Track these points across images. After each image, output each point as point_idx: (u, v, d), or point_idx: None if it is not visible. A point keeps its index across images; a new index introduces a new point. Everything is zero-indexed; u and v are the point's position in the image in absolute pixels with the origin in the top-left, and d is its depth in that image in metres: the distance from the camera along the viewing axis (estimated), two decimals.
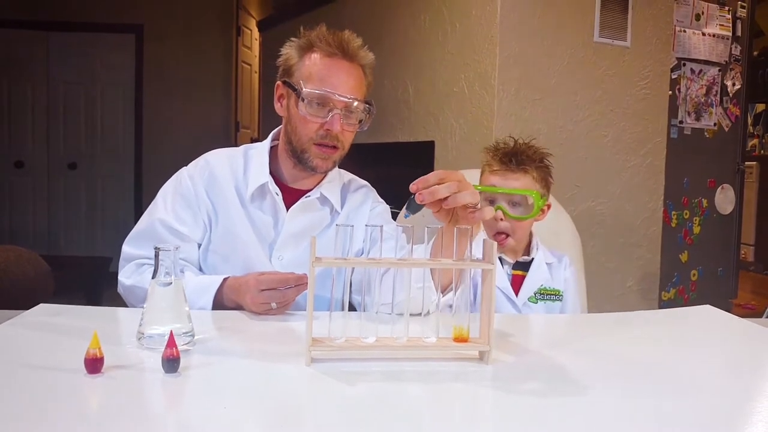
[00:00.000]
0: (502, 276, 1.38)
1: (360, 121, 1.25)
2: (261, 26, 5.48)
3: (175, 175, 1.33)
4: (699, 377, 0.87)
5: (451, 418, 0.71)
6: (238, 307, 1.15)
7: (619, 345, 1.04)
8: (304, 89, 1.19)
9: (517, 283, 1.39)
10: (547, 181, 1.40)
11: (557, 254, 1.47)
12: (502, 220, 1.34)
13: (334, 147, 1.23)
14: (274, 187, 1.28)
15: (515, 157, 1.36)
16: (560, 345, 1.06)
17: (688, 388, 0.82)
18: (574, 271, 1.46)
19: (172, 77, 5.11)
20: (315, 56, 1.22)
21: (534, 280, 1.39)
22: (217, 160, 1.32)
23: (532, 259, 1.41)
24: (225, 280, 1.17)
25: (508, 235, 1.37)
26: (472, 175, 1.54)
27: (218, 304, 1.16)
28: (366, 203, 1.38)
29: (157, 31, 5.10)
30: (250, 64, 5.62)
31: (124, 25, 5.08)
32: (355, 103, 1.21)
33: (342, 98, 1.19)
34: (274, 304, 1.09)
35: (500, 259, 1.40)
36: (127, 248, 1.28)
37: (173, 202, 1.28)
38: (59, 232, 5.25)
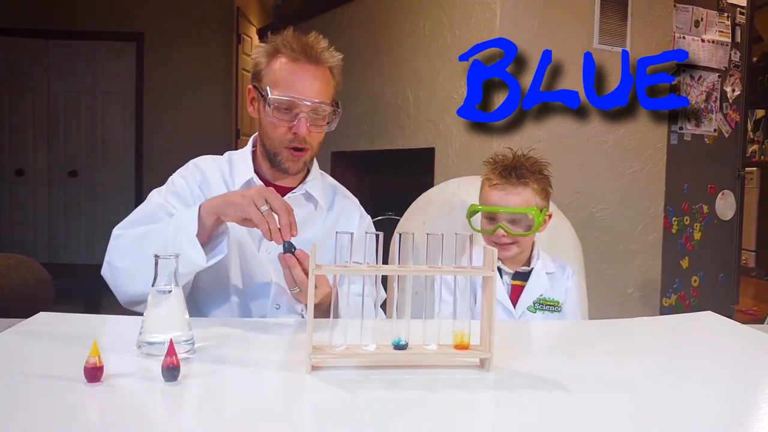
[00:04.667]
0: (500, 287, 1.37)
1: (328, 123, 1.26)
2: (261, 34, 5.50)
3: (168, 181, 1.34)
4: (701, 384, 0.87)
5: (453, 425, 0.71)
6: (220, 223, 1.12)
7: (621, 352, 1.04)
8: (270, 95, 1.22)
9: (516, 293, 1.39)
10: (547, 191, 1.40)
11: (560, 263, 1.46)
12: (503, 236, 1.34)
13: (303, 150, 1.25)
14: (259, 182, 1.29)
15: (515, 171, 1.35)
16: (561, 352, 1.06)
17: (690, 395, 0.82)
18: (576, 281, 1.45)
19: (172, 85, 5.13)
20: (282, 60, 1.25)
21: (532, 290, 1.39)
22: (205, 163, 1.35)
23: (532, 269, 1.41)
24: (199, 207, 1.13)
25: (512, 243, 1.36)
26: (473, 182, 1.54)
27: (202, 228, 1.11)
28: (354, 215, 1.40)
29: (158, 40, 5.12)
30: (250, 72, 5.63)
31: (125, 34, 5.10)
32: (321, 106, 1.23)
33: (307, 103, 1.21)
34: (264, 207, 1.05)
35: (499, 269, 1.39)
36: (118, 232, 1.24)
37: (166, 196, 1.29)
38: (59, 240, 5.24)
